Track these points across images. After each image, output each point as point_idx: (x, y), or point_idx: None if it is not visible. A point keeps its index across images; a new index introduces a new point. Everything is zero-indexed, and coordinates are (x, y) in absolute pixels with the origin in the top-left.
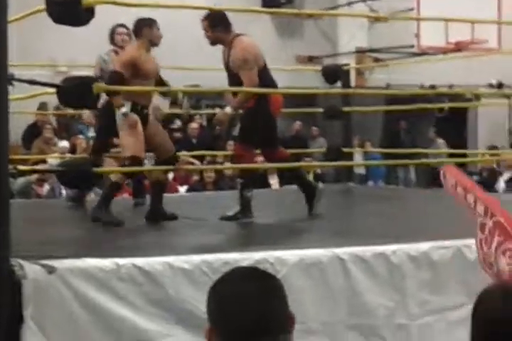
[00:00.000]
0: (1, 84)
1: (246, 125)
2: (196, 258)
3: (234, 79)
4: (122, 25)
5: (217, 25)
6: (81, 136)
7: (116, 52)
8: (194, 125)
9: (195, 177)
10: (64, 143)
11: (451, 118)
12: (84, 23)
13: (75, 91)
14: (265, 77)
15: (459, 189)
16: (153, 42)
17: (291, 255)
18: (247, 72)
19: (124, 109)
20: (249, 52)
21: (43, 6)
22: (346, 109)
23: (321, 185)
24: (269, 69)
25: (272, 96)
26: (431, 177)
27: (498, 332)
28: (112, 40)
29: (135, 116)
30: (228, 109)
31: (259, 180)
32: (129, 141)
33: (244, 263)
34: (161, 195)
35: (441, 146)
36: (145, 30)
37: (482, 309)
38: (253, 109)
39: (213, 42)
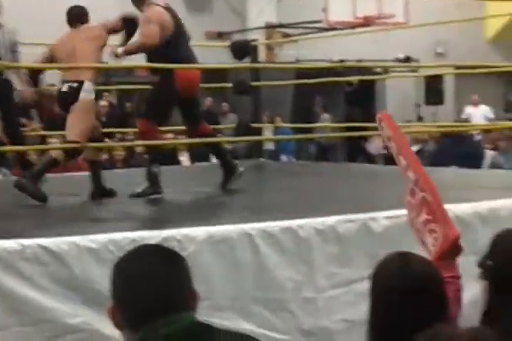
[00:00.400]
0: None
1: (150, 101)
2: (102, 237)
3: (148, 53)
4: None
5: None
6: None
7: None
8: (103, 103)
9: (104, 156)
10: None
11: (360, 91)
12: None
13: None
14: (175, 52)
15: (393, 146)
16: None
17: (199, 232)
18: (145, 27)
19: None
20: (154, 15)
21: None
22: (255, 83)
23: (241, 168)
24: (185, 45)
25: (182, 72)
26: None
27: (394, 300)
28: None
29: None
30: (120, 50)
31: (169, 156)
32: (77, 125)
33: (152, 241)
34: (100, 173)
35: (327, 121)
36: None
37: (379, 278)
38: (158, 85)
39: (134, 4)
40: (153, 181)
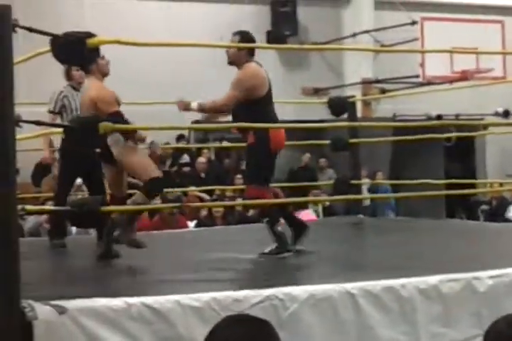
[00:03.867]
0: (8, 125)
1: (252, 165)
2: (206, 295)
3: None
4: None
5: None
6: None
7: (73, 88)
8: (202, 159)
9: (204, 212)
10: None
11: (459, 146)
12: (90, 63)
13: (81, 131)
14: (266, 111)
15: None
16: (104, 73)
17: (300, 291)
18: (232, 90)
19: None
20: (246, 78)
21: (47, 47)
22: (353, 140)
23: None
24: (272, 104)
25: (276, 132)
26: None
27: None
28: (68, 76)
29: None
30: (194, 104)
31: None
32: (139, 166)
33: (254, 300)
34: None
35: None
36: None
37: (488, 338)
38: (255, 147)
39: (231, 61)
40: (281, 241)
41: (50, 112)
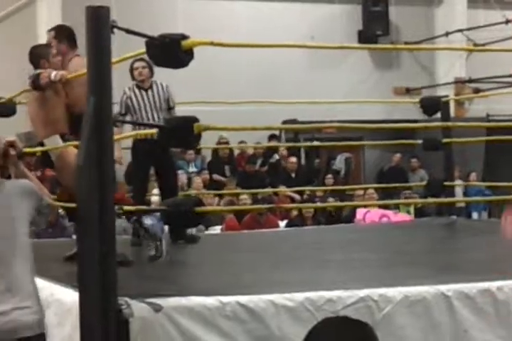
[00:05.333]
0: (106, 125)
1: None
2: (299, 295)
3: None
4: (139, 59)
5: (63, 38)
6: (181, 172)
7: (138, 87)
8: (292, 159)
9: (295, 212)
10: None
11: None
12: (185, 65)
13: (176, 132)
14: None
15: None
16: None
17: (395, 292)
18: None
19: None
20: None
21: (143, 49)
22: (446, 140)
23: None
24: None
25: None
26: None
27: None
28: (132, 75)
29: None
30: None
31: None
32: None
33: (349, 301)
34: None
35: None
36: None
37: None
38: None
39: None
40: None
41: (120, 114)
